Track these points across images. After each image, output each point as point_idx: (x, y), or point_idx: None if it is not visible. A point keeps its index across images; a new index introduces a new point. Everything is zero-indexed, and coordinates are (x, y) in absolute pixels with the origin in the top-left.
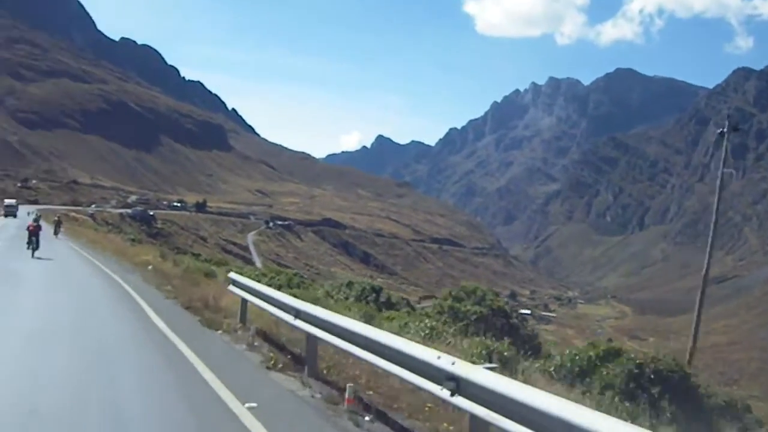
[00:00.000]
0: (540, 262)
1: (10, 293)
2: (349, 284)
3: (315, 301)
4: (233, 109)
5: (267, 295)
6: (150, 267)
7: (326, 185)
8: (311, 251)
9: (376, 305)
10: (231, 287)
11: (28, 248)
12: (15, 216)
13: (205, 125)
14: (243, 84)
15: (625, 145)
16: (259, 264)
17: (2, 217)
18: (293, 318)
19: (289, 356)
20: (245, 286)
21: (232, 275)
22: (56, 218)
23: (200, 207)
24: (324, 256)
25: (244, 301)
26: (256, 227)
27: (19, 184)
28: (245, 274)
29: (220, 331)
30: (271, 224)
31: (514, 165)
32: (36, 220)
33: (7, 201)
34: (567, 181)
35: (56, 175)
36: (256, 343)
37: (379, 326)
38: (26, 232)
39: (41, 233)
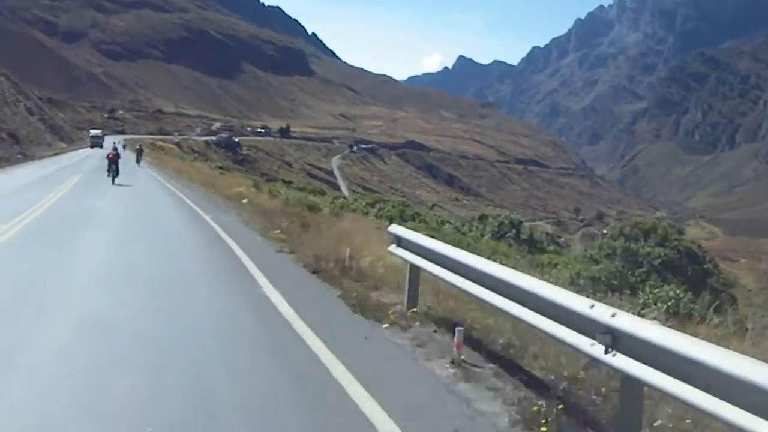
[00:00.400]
0: (627, 182)
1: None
2: (482, 218)
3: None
4: (313, 34)
5: (463, 263)
6: (245, 200)
7: (408, 107)
8: (395, 174)
9: (517, 243)
10: (394, 249)
11: (108, 175)
12: (101, 147)
13: (286, 50)
14: (322, 8)
15: (714, 61)
16: (344, 189)
17: (88, 149)
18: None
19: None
20: (422, 249)
21: (396, 230)
22: (138, 147)
23: (284, 132)
24: (408, 179)
25: (415, 271)
26: (340, 151)
27: (106, 115)
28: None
29: (385, 325)
30: (354, 148)
31: (599, 83)
32: (115, 148)
33: (93, 131)
34: (654, 99)
35: (141, 105)
36: (463, 357)
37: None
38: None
39: (121, 161)
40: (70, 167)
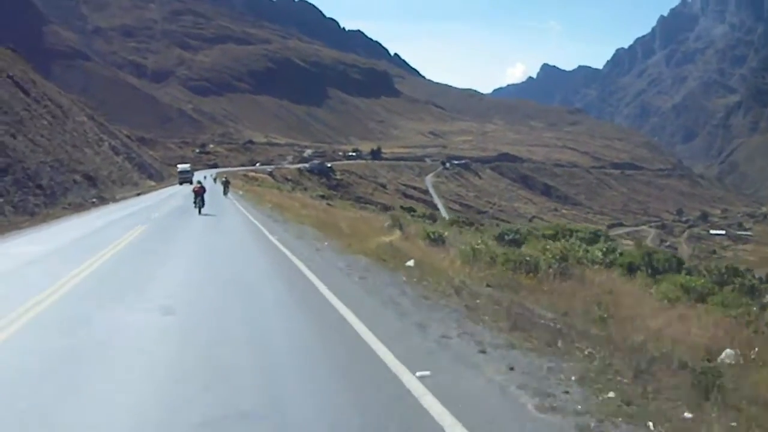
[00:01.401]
0: (726, 179)
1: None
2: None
3: None
4: (396, 54)
5: None
6: (410, 263)
7: (497, 120)
8: (491, 188)
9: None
10: None
11: (195, 207)
12: (191, 182)
13: (370, 73)
14: (402, 28)
15: None
16: (441, 207)
17: (178, 185)
18: None
19: None
20: None
21: None
22: (224, 179)
23: (375, 154)
24: (504, 192)
25: None
26: (433, 169)
27: (197, 150)
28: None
29: None
30: (447, 165)
31: (688, 80)
32: (199, 182)
33: (181, 166)
34: (748, 91)
35: (232, 137)
36: None
37: None
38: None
39: (206, 195)
40: (142, 212)
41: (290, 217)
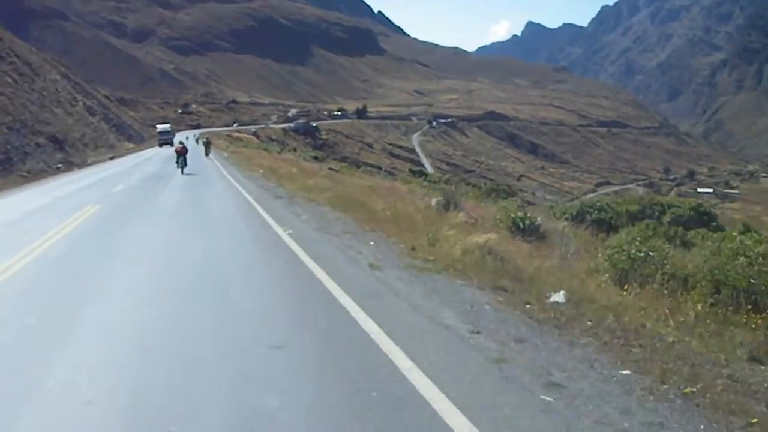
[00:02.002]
0: (711, 137)
1: None
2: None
3: None
4: (379, 12)
5: None
6: (559, 297)
7: (482, 78)
8: (478, 147)
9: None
10: None
11: (177, 167)
12: (171, 144)
13: (354, 31)
14: None
15: None
16: (428, 166)
17: (157, 147)
18: None
19: None
20: None
21: None
22: (205, 139)
23: (361, 113)
24: (491, 151)
25: None
26: (419, 128)
27: (179, 110)
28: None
29: None
30: (434, 123)
31: (673, 37)
32: (181, 142)
33: (160, 127)
34: (733, 49)
35: (215, 97)
36: None
37: None
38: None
39: (188, 156)
40: (104, 182)
41: (294, 189)
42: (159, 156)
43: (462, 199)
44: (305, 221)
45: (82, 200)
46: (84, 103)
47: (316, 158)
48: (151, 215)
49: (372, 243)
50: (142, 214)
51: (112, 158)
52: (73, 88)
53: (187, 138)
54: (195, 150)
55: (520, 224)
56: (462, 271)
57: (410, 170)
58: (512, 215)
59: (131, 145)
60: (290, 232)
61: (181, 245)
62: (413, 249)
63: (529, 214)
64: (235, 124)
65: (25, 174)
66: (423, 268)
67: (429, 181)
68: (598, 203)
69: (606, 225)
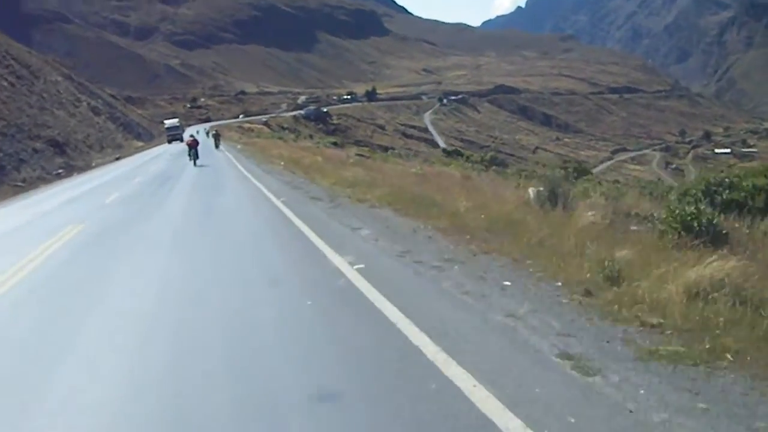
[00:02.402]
0: (724, 97)
1: None
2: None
3: None
4: None
5: None
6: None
7: (489, 52)
8: (491, 122)
9: None
10: None
11: (189, 159)
12: (182, 140)
13: (358, 14)
14: None
15: None
16: (442, 144)
17: (166, 144)
18: None
19: None
20: None
21: None
22: (214, 131)
23: (371, 95)
24: (504, 125)
25: None
26: (431, 106)
27: (188, 105)
28: None
29: None
30: (444, 101)
31: None
32: (191, 135)
33: (168, 122)
34: (741, 6)
35: (223, 89)
36: None
37: None
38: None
39: (200, 148)
40: (100, 189)
41: (331, 185)
42: (167, 153)
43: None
44: (371, 240)
45: (63, 219)
46: (88, 104)
47: (335, 144)
48: (146, 240)
49: (507, 283)
50: (133, 238)
51: (117, 159)
52: (77, 89)
53: (197, 132)
54: (206, 143)
55: (695, 224)
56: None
57: (444, 150)
58: (679, 211)
59: (140, 144)
60: (360, 266)
61: (184, 311)
62: (588, 294)
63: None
64: (240, 116)
65: (20, 183)
66: (667, 355)
67: (471, 162)
68: (726, 179)
69: (738, 206)
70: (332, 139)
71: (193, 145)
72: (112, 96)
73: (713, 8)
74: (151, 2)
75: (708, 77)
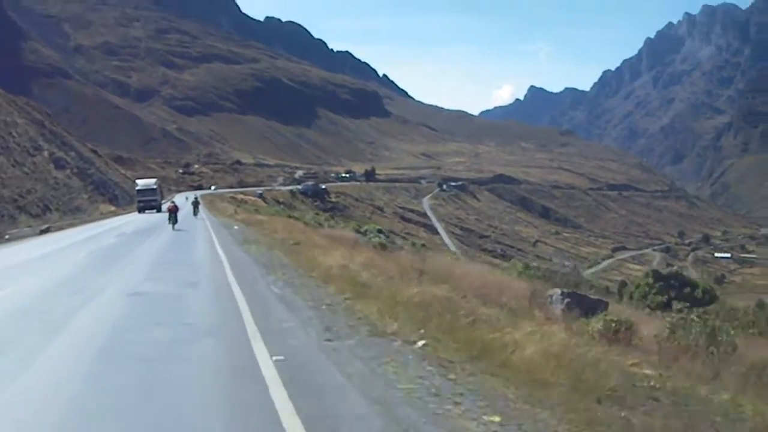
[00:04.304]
0: (718, 200)
1: None
2: None
3: None
4: (384, 75)
5: None
6: None
7: (488, 141)
8: (490, 211)
9: None
10: None
11: (169, 222)
12: (158, 209)
13: (360, 93)
14: (389, 51)
15: None
16: (443, 232)
17: (136, 213)
18: None
19: None
20: None
21: None
22: (194, 198)
23: (369, 175)
24: (504, 215)
25: None
26: (429, 191)
27: (181, 170)
28: None
29: None
30: (444, 186)
31: (675, 101)
32: (172, 201)
33: (142, 183)
34: (738, 112)
35: (218, 157)
36: None
37: None
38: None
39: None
40: None
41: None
42: (122, 229)
43: None
44: None
45: None
46: (50, 154)
47: (360, 232)
48: None
49: None
50: None
51: (44, 232)
52: (43, 137)
53: (186, 198)
54: (193, 220)
55: None
56: None
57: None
58: None
59: (110, 208)
60: None
61: None
62: None
63: None
64: (213, 187)
65: None
66: None
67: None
68: None
69: None
70: (373, 225)
71: (173, 210)
72: (93, 151)
73: (709, 113)
74: (153, 65)
75: (702, 180)
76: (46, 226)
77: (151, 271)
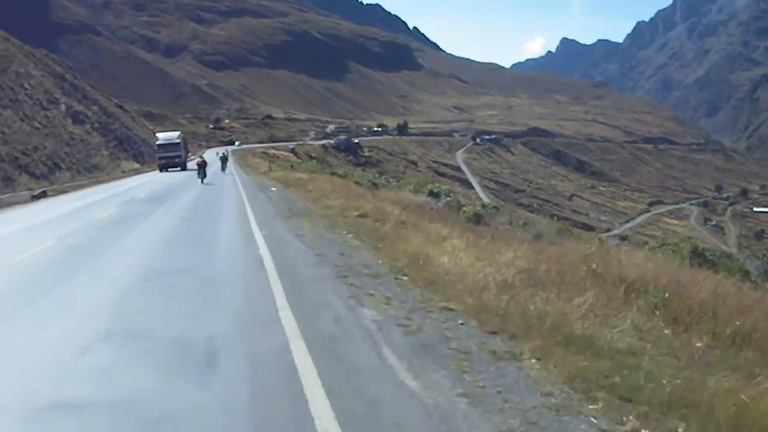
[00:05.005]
0: (754, 153)
1: None
2: None
3: None
4: (415, 28)
5: None
6: None
7: (520, 94)
8: (524, 165)
9: None
10: None
11: (198, 176)
12: (182, 167)
13: (391, 46)
14: (420, 3)
15: None
16: (477, 186)
17: (158, 172)
18: None
19: None
20: None
21: None
22: (222, 154)
23: (402, 129)
24: (538, 169)
25: None
26: (463, 145)
27: (211, 125)
28: None
29: None
30: (478, 140)
31: (711, 53)
32: (201, 156)
33: (163, 136)
34: None
35: (249, 112)
36: None
37: None
38: None
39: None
40: None
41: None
42: (134, 193)
43: None
44: None
45: None
46: (68, 108)
47: (433, 194)
48: None
49: None
50: None
51: (37, 197)
52: (61, 89)
53: (217, 154)
54: (221, 188)
55: None
56: None
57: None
58: None
59: (135, 165)
60: None
61: None
62: None
63: None
64: (235, 143)
65: None
66: None
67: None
68: None
69: None
70: (428, 183)
71: (202, 165)
72: (119, 106)
73: (746, 64)
74: (182, 20)
75: (738, 133)
76: (40, 189)
77: (122, 314)
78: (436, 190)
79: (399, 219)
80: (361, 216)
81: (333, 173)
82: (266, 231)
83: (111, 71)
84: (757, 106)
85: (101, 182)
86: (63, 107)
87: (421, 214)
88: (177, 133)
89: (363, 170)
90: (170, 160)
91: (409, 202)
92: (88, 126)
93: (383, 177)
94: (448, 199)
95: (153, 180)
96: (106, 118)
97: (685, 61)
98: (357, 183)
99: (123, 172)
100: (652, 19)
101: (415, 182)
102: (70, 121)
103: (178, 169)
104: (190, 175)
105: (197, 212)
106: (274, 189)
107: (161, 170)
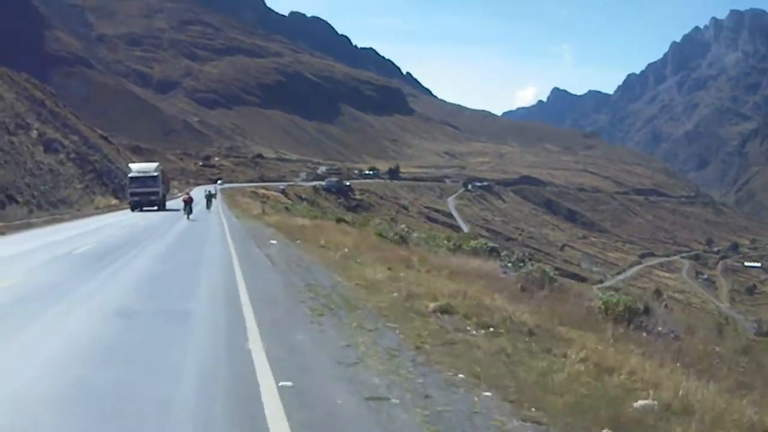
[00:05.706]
0: (743, 208)
1: None
2: None
3: None
4: (408, 73)
5: None
6: None
7: (511, 142)
8: (516, 213)
9: None
10: None
11: (184, 212)
12: (158, 205)
13: (383, 90)
14: (414, 49)
15: None
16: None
17: (129, 212)
18: None
19: None
20: None
21: None
22: (207, 192)
23: (393, 173)
24: (530, 218)
25: None
26: (454, 191)
27: (200, 163)
28: None
29: None
30: (470, 186)
31: (700, 106)
32: (187, 193)
33: (136, 167)
34: (764, 119)
35: (239, 151)
36: None
37: None
38: None
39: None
40: None
41: None
42: (79, 245)
43: None
44: None
45: None
46: (39, 135)
47: (494, 256)
48: None
49: None
50: None
51: None
52: (36, 115)
53: (205, 191)
54: (202, 238)
55: None
56: None
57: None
58: None
59: (113, 201)
60: None
61: None
62: None
63: None
64: (217, 182)
65: None
66: None
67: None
68: None
69: None
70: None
71: (188, 201)
72: (104, 138)
73: (735, 119)
74: (176, 56)
75: (726, 186)
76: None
77: None
78: (487, 249)
79: (519, 319)
80: (445, 312)
81: (340, 219)
82: (291, 382)
83: (102, 104)
84: (746, 161)
85: (61, 221)
86: (34, 133)
87: (525, 302)
88: (155, 165)
89: (374, 217)
90: (145, 197)
91: (481, 273)
92: (62, 155)
93: (402, 226)
94: (522, 265)
95: (120, 222)
96: (86, 149)
97: (674, 114)
98: (379, 235)
99: (96, 208)
100: (642, 71)
101: (445, 236)
102: (41, 148)
103: (155, 208)
104: (167, 216)
105: (149, 301)
106: (274, 242)
107: (133, 209)
